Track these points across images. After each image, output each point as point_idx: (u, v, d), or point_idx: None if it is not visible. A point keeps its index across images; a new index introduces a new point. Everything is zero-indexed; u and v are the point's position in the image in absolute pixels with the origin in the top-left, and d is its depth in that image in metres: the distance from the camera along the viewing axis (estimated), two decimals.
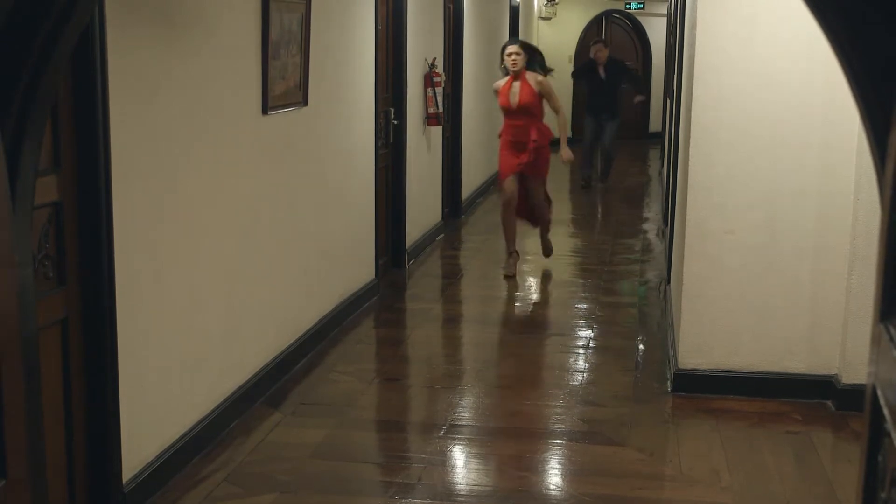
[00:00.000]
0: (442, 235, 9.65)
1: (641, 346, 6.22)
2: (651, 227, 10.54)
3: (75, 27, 2.09)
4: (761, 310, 5.10)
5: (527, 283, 8.20)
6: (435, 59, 8.87)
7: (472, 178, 11.34)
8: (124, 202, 3.72)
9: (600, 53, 12.81)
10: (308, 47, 5.60)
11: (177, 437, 4.26)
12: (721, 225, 5.09)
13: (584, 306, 7.36)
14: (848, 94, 5.08)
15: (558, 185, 14.78)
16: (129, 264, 3.78)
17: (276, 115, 5.25)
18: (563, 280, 8.35)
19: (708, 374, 5.19)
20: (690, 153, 5.10)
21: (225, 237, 4.71)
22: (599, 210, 12.41)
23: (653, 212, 11.62)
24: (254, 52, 4.95)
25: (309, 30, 5.60)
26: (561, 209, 12.51)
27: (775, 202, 5.02)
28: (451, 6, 10.11)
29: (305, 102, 5.67)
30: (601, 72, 12.71)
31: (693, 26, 5.21)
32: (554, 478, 4.40)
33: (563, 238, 10.42)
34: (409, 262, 8.28)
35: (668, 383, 5.35)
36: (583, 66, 13.39)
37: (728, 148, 5.02)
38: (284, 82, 5.33)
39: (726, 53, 4.95)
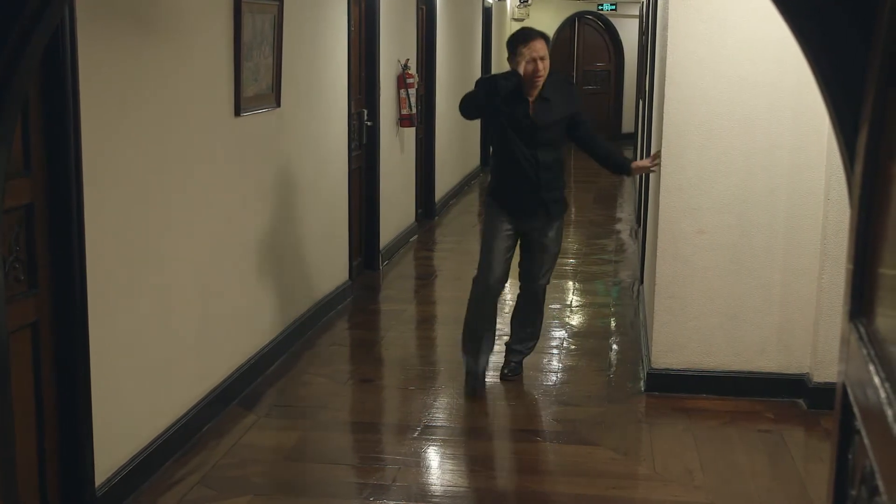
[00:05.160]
0: (415, 237, 9.65)
1: (615, 346, 6.25)
2: (624, 228, 10.58)
3: (45, 29, 2.07)
4: (733, 309, 5.13)
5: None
6: (408, 60, 8.86)
7: (445, 179, 11.34)
8: (96, 204, 3.70)
9: (538, 64, 5.20)
10: (280, 49, 5.59)
11: (149, 440, 4.24)
12: (693, 225, 5.12)
13: (558, 307, 7.38)
14: (818, 94, 5.10)
15: None
16: (101, 267, 3.75)
17: (249, 117, 5.23)
18: None
19: (681, 373, 5.22)
20: (662, 154, 5.12)
21: (198, 239, 4.68)
22: (572, 210, 12.43)
23: (625, 212, 11.68)
24: (226, 53, 4.93)
25: (281, 31, 5.58)
26: None
27: (746, 202, 5.05)
28: (424, 7, 10.11)
29: (278, 104, 5.65)
30: (530, 104, 5.17)
31: (665, 27, 5.24)
32: (529, 478, 4.40)
33: None
34: (382, 263, 8.26)
35: (642, 383, 5.37)
36: (487, 84, 5.32)
37: (699, 148, 5.05)
38: (257, 84, 5.32)
39: (697, 55, 4.98)
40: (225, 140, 4.97)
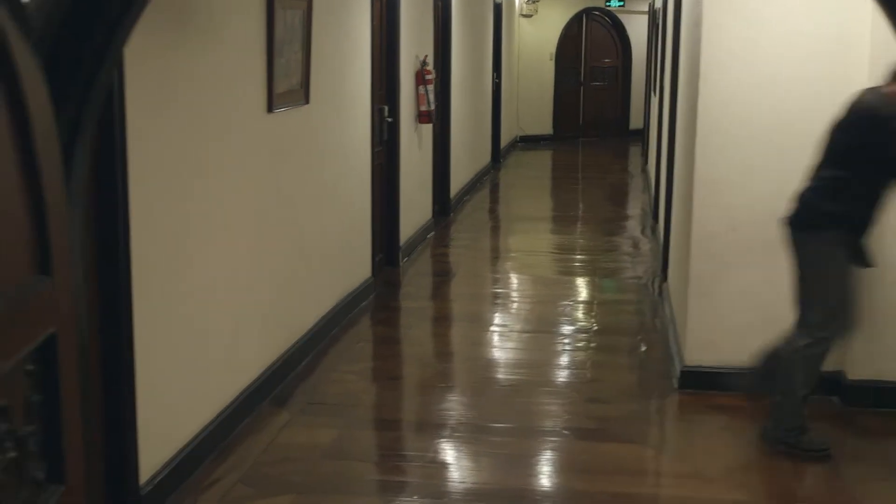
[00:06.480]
0: (432, 233, 9.61)
1: (640, 343, 6.22)
2: (637, 224, 10.55)
3: (126, 31, 2.05)
4: (767, 307, 5.10)
5: (518, 282, 8.20)
6: (426, 56, 8.83)
7: (459, 176, 11.31)
8: (140, 203, 3.67)
9: None
10: (309, 44, 5.56)
11: (189, 438, 4.21)
12: (726, 223, 5.09)
13: (579, 303, 7.37)
14: (852, 90, 5.02)
15: (531, 175, 14.84)
16: (145, 265, 3.73)
17: (280, 114, 5.20)
18: (554, 278, 8.35)
19: (714, 370, 5.19)
20: (696, 152, 5.10)
21: (233, 237, 4.66)
22: (582, 207, 12.42)
23: (637, 208, 11.66)
24: (259, 49, 4.90)
25: (310, 26, 5.55)
26: (541, 206, 12.57)
27: (780, 200, 5.01)
28: (440, 3, 10.07)
29: (307, 100, 5.62)
30: None
31: (697, 24, 5.20)
32: (569, 476, 4.37)
33: (549, 235, 10.44)
34: (402, 260, 8.23)
35: (674, 380, 5.34)
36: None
37: (733, 146, 5.03)
38: (287, 80, 5.29)
39: (732, 52, 4.95)
40: (258, 137, 4.94)
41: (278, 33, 5.05)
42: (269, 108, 5.03)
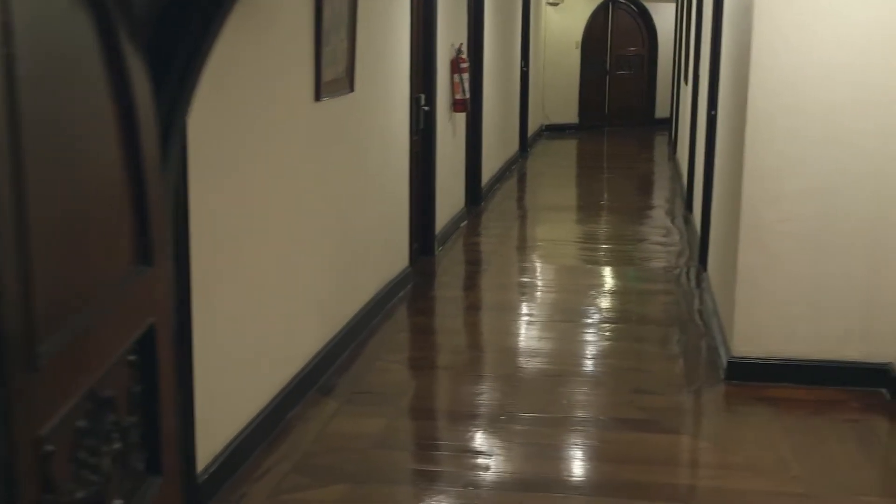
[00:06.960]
0: (465, 222, 9.60)
1: (681, 334, 6.19)
2: (667, 214, 10.51)
3: (219, 24, 2.04)
4: (816, 298, 5.08)
5: (552, 272, 8.18)
6: (462, 44, 8.80)
7: (489, 164, 11.28)
8: (196, 192, 3.66)
9: None
10: (354, 32, 5.54)
11: (242, 427, 4.22)
12: (776, 214, 5.06)
13: (616, 293, 7.34)
14: None
15: (559, 164, 14.81)
16: (202, 256, 3.73)
17: (327, 102, 5.19)
18: (588, 268, 8.33)
19: (762, 362, 5.16)
20: (745, 142, 5.06)
21: (281, 227, 4.66)
22: (611, 196, 12.37)
23: (665, 198, 11.61)
24: (307, 37, 4.88)
25: (356, 13, 5.53)
26: (570, 195, 12.54)
27: (831, 190, 4.99)
28: None
29: (352, 88, 5.61)
30: None
31: (748, 9, 5.16)
32: (621, 466, 4.35)
33: (580, 225, 10.42)
34: (437, 249, 8.22)
35: (721, 371, 5.31)
36: None
37: (785, 135, 4.99)
38: (334, 68, 5.27)
39: (786, 38, 4.91)
40: (306, 125, 4.93)
41: (326, 20, 5.04)
42: (317, 97, 5.02)
